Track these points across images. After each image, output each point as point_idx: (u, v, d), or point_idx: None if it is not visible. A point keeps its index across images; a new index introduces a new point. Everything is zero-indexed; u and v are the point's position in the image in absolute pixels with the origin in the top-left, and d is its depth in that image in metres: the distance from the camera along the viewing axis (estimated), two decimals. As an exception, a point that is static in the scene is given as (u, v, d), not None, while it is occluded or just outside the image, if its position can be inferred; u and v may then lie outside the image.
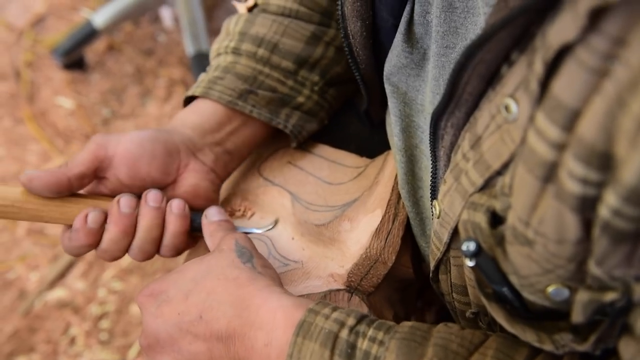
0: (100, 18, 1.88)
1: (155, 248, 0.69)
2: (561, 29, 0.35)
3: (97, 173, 0.67)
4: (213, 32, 2.04)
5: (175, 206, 0.68)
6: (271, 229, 0.74)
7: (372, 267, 0.66)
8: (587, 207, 0.36)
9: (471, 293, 0.57)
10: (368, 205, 0.71)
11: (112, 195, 0.69)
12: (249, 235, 0.69)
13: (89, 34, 1.89)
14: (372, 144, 0.81)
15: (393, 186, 0.70)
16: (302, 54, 0.76)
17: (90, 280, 1.62)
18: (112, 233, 0.66)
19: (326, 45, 0.78)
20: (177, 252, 0.71)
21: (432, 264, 0.61)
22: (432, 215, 0.58)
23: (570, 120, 0.36)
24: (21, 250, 1.68)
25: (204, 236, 0.69)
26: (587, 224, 0.37)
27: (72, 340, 1.54)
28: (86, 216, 0.65)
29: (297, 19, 0.77)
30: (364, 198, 0.72)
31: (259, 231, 0.74)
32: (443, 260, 0.59)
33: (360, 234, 0.69)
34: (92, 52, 2.02)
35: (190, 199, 0.71)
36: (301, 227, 0.72)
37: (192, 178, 0.71)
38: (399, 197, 0.70)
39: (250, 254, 0.63)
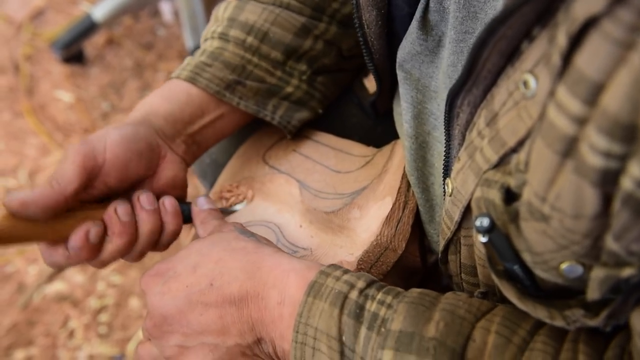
0: (99, 12, 1.88)
1: (152, 248, 0.69)
2: (588, 1, 0.35)
3: (86, 184, 0.64)
4: (213, 26, 2.04)
5: (169, 204, 0.68)
6: (244, 204, 0.76)
7: (382, 255, 0.66)
8: (608, 181, 0.36)
9: (480, 272, 0.57)
10: (378, 193, 0.71)
11: (96, 201, 0.66)
12: (229, 214, 0.71)
13: (89, 28, 1.88)
14: (375, 135, 0.81)
15: (403, 174, 0.70)
16: (292, 44, 0.76)
17: (89, 274, 1.62)
18: (116, 245, 0.64)
19: (315, 39, 0.77)
20: (168, 246, 0.71)
21: (441, 244, 0.61)
22: (444, 193, 0.58)
23: (593, 94, 0.35)
24: (20, 244, 1.67)
25: (194, 224, 0.70)
26: (606, 199, 0.37)
27: (71, 334, 1.53)
28: (87, 232, 0.62)
29: (288, 9, 0.77)
30: (374, 186, 0.72)
31: (239, 207, 0.76)
32: (453, 240, 0.59)
33: (370, 222, 0.69)
34: (92, 45, 2.01)
35: (169, 190, 0.71)
36: (310, 215, 0.72)
37: (169, 170, 0.70)
38: (408, 185, 0.70)
39: (252, 234, 0.63)
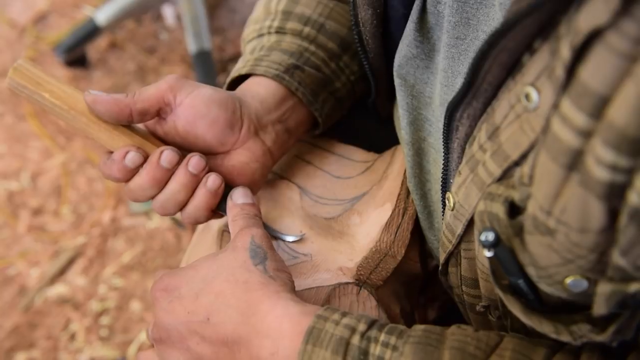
0: (102, 15, 1.88)
1: (177, 209, 0.67)
2: (592, 13, 0.35)
3: (159, 113, 0.66)
4: (215, 30, 2.05)
5: (211, 182, 0.65)
6: (296, 240, 0.72)
7: (381, 261, 0.67)
8: (614, 195, 0.36)
9: (483, 286, 0.56)
10: (377, 199, 0.71)
11: (162, 139, 0.67)
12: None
13: (91, 31, 1.89)
14: (378, 139, 0.81)
15: (402, 180, 0.71)
16: (347, 38, 0.75)
17: (91, 277, 1.62)
18: (142, 179, 0.64)
19: None
20: (196, 223, 0.69)
21: (442, 257, 0.61)
22: (445, 207, 0.58)
23: (598, 107, 0.35)
24: (22, 247, 1.68)
25: (228, 218, 0.67)
26: (612, 213, 0.37)
27: (73, 337, 1.54)
28: (126, 153, 0.64)
29: (341, 2, 0.76)
30: (373, 192, 0.72)
31: (289, 239, 0.72)
32: (454, 253, 0.59)
33: (370, 228, 0.69)
34: (94, 49, 2.02)
35: (234, 176, 0.68)
36: (310, 221, 0.72)
37: (244, 156, 0.68)
38: (408, 191, 0.70)
39: (264, 255, 0.60)
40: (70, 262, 1.65)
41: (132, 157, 0.64)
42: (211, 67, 1.84)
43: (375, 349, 0.51)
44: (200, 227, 0.80)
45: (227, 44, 2.04)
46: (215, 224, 0.75)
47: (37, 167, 1.82)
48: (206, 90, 0.66)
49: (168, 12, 2.08)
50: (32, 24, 2.10)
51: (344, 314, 0.54)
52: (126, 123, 0.65)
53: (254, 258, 0.60)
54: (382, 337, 0.52)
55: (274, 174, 0.79)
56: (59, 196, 1.76)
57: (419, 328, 0.53)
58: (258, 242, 0.61)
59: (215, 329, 0.56)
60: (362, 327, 0.53)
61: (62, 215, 1.73)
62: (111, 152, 0.66)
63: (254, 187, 0.70)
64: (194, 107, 0.65)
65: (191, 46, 1.85)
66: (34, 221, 1.72)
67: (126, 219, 1.71)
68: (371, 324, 0.53)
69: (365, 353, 0.51)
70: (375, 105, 0.78)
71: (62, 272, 1.63)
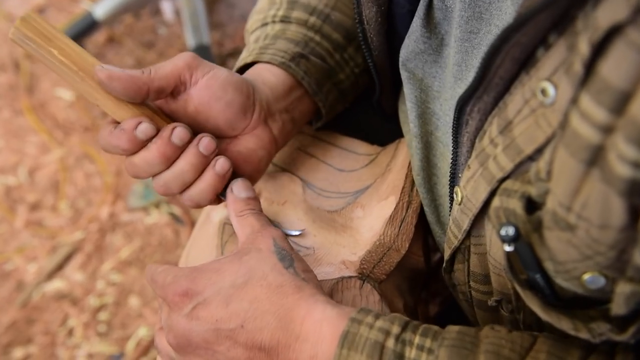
0: (100, 10, 1.88)
1: (179, 190, 0.65)
2: (611, 9, 0.35)
3: (172, 89, 0.64)
4: (214, 25, 2.04)
5: (220, 165, 0.64)
6: (297, 235, 0.71)
7: (385, 255, 0.66)
8: (636, 192, 0.36)
9: (495, 281, 0.56)
10: (381, 192, 0.71)
11: (170, 117, 0.66)
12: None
13: (89, 26, 1.88)
14: (380, 132, 0.80)
15: (406, 173, 0.70)
16: (352, 30, 0.75)
17: (89, 272, 1.61)
18: (150, 153, 0.62)
19: None
20: (197, 206, 0.67)
21: (447, 253, 0.61)
22: (453, 202, 0.58)
23: (620, 102, 0.35)
24: (19, 242, 1.67)
25: (228, 213, 0.66)
26: (634, 210, 0.37)
27: (70, 332, 1.53)
28: (139, 123, 0.61)
29: None
30: (377, 185, 0.72)
31: (292, 233, 0.71)
32: (461, 249, 0.59)
33: (373, 221, 0.68)
34: (92, 44, 2.01)
35: (239, 163, 0.67)
36: (312, 214, 0.72)
37: (252, 143, 0.67)
38: (412, 184, 0.70)
39: (291, 258, 0.59)
40: (68, 258, 1.64)
41: (145, 129, 0.61)
42: (210, 62, 1.83)
43: (411, 353, 0.51)
44: (200, 220, 0.80)
45: (226, 39, 2.03)
46: (216, 216, 0.75)
47: (35, 162, 1.81)
48: (223, 72, 0.65)
49: (166, 6, 2.08)
50: (30, 18, 2.08)
51: (377, 316, 0.54)
52: (141, 101, 0.63)
53: (283, 261, 0.59)
54: (417, 339, 0.52)
55: (276, 167, 0.78)
56: (56, 191, 1.76)
57: (453, 330, 0.53)
58: (281, 244, 0.60)
59: (251, 335, 0.55)
60: (396, 329, 0.53)
61: (59, 211, 1.72)
62: (116, 122, 0.63)
63: (257, 176, 0.69)
64: (210, 88, 0.63)
65: (190, 41, 1.84)
66: (31, 216, 1.71)
67: (124, 215, 1.70)
68: (405, 326, 0.53)
69: (400, 357, 0.51)
70: (380, 103, 0.78)
71: (59, 268, 1.63)
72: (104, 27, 1.92)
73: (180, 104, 0.65)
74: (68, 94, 1.92)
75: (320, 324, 0.54)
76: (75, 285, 1.60)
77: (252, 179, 0.69)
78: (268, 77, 0.70)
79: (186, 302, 0.57)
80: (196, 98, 0.64)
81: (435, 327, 0.53)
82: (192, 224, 1.66)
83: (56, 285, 1.60)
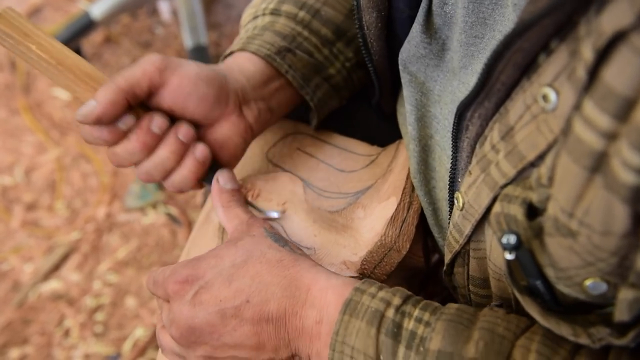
0: (97, 10, 1.87)
1: (161, 177, 0.67)
2: (616, 14, 0.35)
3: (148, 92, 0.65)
4: (211, 25, 2.04)
5: (200, 152, 0.66)
6: (277, 218, 0.72)
7: (386, 255, 0.66)
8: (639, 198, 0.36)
9: (495, 285, 0.56)
10: (382, 193, 0.71)
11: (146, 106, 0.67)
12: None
13: (86, 26, 1.87)
14: (380, 133, 0.81)
15: (407, 174, 0.70)
16: (342, 25, 0.75)
17: (85, 272, 1.61)
18: (130, 143, 0.64)
19: None
20: (179, 191, 0.69)
21: (447, 257, 0.61)
22: (454, 207, 0.57)
23: (624, 109, 0.35)
24: (15, 242, 1.67)
25: (214, 203, 0.68)
26: (636, 217, 0.37)
27: (67, 332, 1.53)
28: (120, 116, 0.63)
29: None
30: (378, 186, 0.72)
31: (273, 215, 0.72)
32: (461, 253, 0.59)
33: (374, 222, 0.68)
34: (89, 43, 2.01)
35: (216, 149, 0.69)
36: (313, 214, 0.72)
37: (227, 130, 0.69)
38: (413, 185, 0.70)
39: (284, 239, 0.62)
40: (65, 258, 1.64)
41: (126, 120, 0.64)
42: (207, 62, 1.83)
43: (409, 324, 0.53)
44: (199, 221, 0.80)
45: (224, 39, 2.03)
46: (216, 217, 0.75)
47: (31, 161, 1.81)
48: (192, 68, 0.66)
49: (163, 6, 2.07)
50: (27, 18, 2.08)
51: (380, 287, 0.56)
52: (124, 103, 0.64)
53: (278, 242, 0.61)
54: (416, 312, 0.53)
55: (276, 167, 0.78)
56: (53, 191, 1.75)
57: (452, 306, 0.54)
58: (271, 231, 0.63)
59: (258, 308, 0.57)
60: (397, 301, 0.54)
61: (56, 211, 1.72)
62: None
63: (233, 162, 0.71)
64: (181, 86, 0.65)
65: (187, 41, 1.84)
66: (27, 216, 1.71)
67: (121, 215, 1.70)
68: (406, 299, 0.55)
69: (398, 326, 0.53)
70: (379, 105, 0.78)
71: (56, 268, 1.62)
72: (101, 27, 1.92)
73: (154, 104, 0.66)
74: (64, 94, 1.92)
75: (326, 291, 0.57)
76: (72, 286, 1.59)
77: (229, 165, 0.71)
78: (247, 66, 0.71)
79: (187, 288, 0.59)
80: (169, 98, 0.65)
81: (436, 303, 0.55)
82: (189, 224, 1.65)
83: (52, 285, 1.59)
